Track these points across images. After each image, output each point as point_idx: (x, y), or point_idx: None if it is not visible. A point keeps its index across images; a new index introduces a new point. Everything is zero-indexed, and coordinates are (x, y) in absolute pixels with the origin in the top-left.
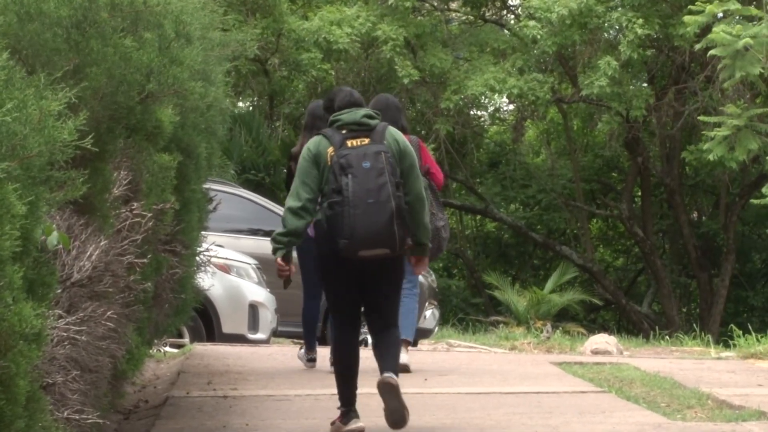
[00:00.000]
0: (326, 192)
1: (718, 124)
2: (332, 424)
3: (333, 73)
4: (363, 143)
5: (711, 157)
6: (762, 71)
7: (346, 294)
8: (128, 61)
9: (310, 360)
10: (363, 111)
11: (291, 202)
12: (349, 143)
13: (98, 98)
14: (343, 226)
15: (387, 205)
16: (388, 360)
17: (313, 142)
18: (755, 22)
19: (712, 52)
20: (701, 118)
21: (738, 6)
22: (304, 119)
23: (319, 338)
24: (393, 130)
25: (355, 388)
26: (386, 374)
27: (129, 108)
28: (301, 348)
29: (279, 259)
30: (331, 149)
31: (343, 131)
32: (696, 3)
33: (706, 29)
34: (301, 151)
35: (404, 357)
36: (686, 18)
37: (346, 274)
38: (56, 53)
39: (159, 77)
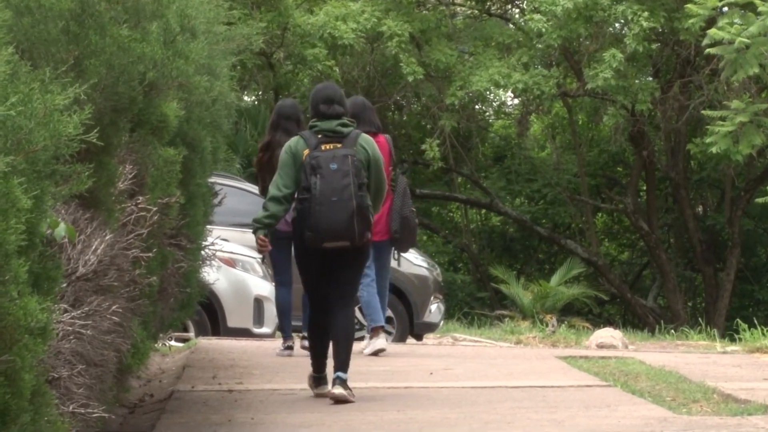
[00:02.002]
0: (300, 188)
1: (723, 119)
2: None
3: (337, 69)
4: (335, 147)
5: (715, 149)
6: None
7: (314, 278)
8: (127, 51)
9: (287, 348)
10: (337, 121)
11: (273, 191)
12: (323, 147)
13: (99, 90)
14: (310, 220)
15: (349, 203)
16: (338, 356)
17: (293, 142)
18: (760, 17)
19: (710, 50)
20: (705, 112)
21: None
22: (271, 116)
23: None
24: (364, 137)
25: (325, 358)
26: (335, 389)
27: (131, 99)
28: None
29: (260, 236)
30: (306, 150)
31: (319, 136)
32: None
33: (711, 22)
34: (266, 147)
35: (382, 342)
36: (689, 6)
37: (314, 261)
38: (54, 45)
39: (162, 69)
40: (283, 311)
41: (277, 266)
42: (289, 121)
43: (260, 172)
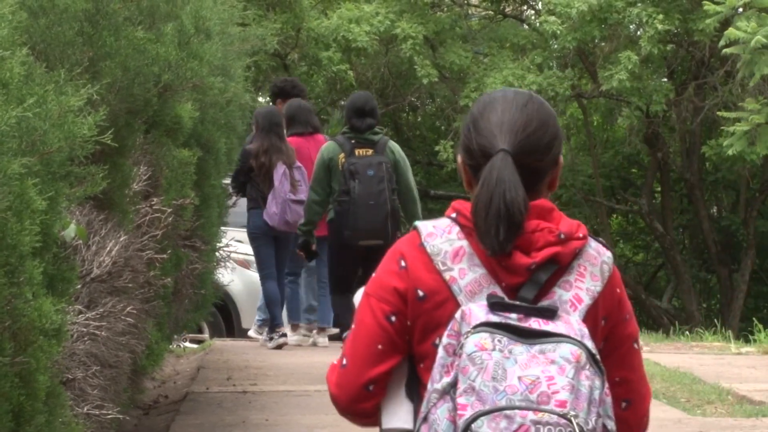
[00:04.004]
0: (337, 191)
1: (738, 120)
2: None
3: (351, 73)
4: (368, 153)
5: (731, 151)
6: None
7: (347, 272)
8: (142, 53)
9: (282, 335)
10: (368, 131)
11: (312, 196)
12: (356, 152)
13: (114, 91)
14: (349, 220)
15: (384, 207)
16: None
17: (327, 149)
18: None
19: (727, 50)
20: (721, 113)
21: None
22: (258, 121)
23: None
24: (392, 144)
25: None
26: None
27: (146, 100)
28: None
29: (299, 248)
30: (342, 155)
31: (352, 141)
32: None
33: (726, 23)
34: (265, 151)
35: (324, 340)
36: (707, 4)
37: (348, 257)
38: (70, 47)
39: (177, 70)
40: (274, 301)
41: (263, 261)
42: (279, 126)
43: (259, 176)
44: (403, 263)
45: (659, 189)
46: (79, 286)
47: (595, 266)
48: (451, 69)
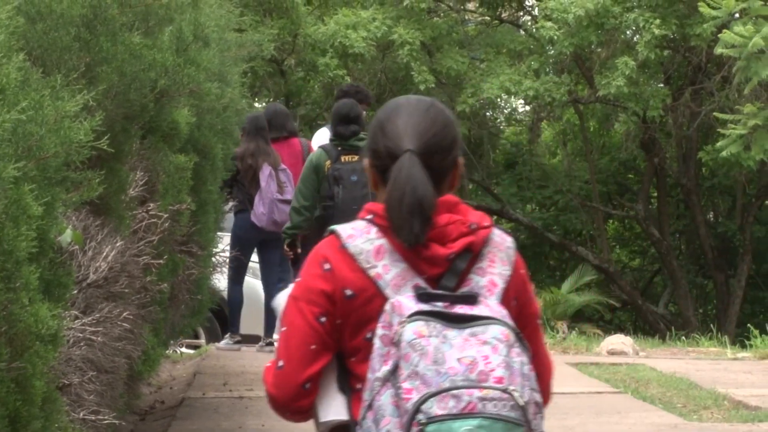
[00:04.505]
0: (322, 196)
1: (734, 122)
2: None
3: (348, 78)
4: (353, 160)
5: (725, 153)
6: None
7: None
8: (139, 58)
9: (237, 342)
10: (352, 137)
11: (295, 203)
12: (342, 158)
13: (111, 97)
14: (332, 224)
15: None
16: None
17: (315, 155)
18: None
19: (722, 51)
20: (717, 115)
21: (758, 2)
22: (245, 125)
23: None
24: None
25: None
26: None
27: (142, 106)
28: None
29: (285, 246)
30: (328, 162)
31: (339, 148)
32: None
33: (723, 29)
34: (252, 154)
35: None
36: (703, 8)
37: None
38: (66, 52)
39: (174, 76)
40: (239, 307)
41: (238, 267)
42: (264, 130)
43: (246, 179)
44: (327, 266)
45: (656, 194)
46: (75, 292)
47: (502, 252)
48: (448, 74)
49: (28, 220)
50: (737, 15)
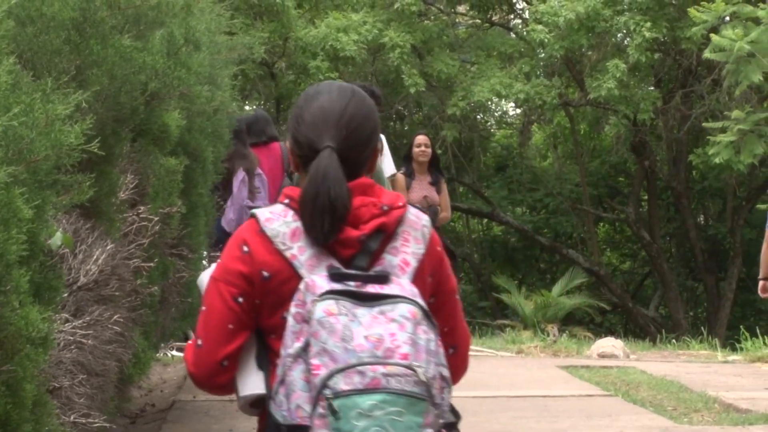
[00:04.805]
0: None
1: (723, 129)
2: None
3: (340, 81)
4: None
5: (717, 160)
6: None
7: None
8: (129, 61)
9: None
10: None
11: None
12: None
13: (101, 100)
14: None
15: None
16: None
17: None
18: (762, 24)
19: (711, 55)
20: (706, 124)
21: (747, 8)
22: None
23: None
24: None
25: None
26: None
27: (133, 109)
28: None
29: None
30: None
31: None
32: (701, 3)
33: (713, 32)
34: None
35: None
36: (693, 12)
37: None
38: (57, 55)
39: (164, 79)
40: None
41: None
42: (242, 132)
43: (221, 183)
44: (245, 248)
45: (646, 197)
46: (65, 295)
47: (416, 230)
48: (439, 77)
49: (18, 224)
50: (727, 18)
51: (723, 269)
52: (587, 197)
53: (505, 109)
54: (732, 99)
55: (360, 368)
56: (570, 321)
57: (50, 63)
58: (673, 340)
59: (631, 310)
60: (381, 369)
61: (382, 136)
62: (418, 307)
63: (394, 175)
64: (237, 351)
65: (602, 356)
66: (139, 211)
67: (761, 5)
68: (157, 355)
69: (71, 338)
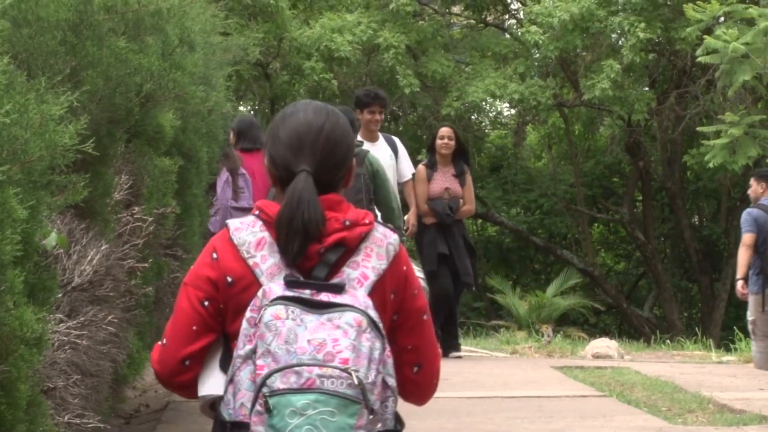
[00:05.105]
0: None
1: (717, 133)
2: None
3: (334, 82)
4: None
5: (712, 164)
6: (756, 78)
7: None
8: (124, 62)
9: None
10: None
11: None
12: None
13: (96, 101)
14: None
15: None
16: None
17: None
18: (756, 25)
19: (704, 59)
20: (700, 129)
21: (740, 7)
22: (233, 129)
23: None
24: (370, 156)
25: None
26: None
27: (128, 110)
28: None
29: None
30: None
31: None
32: (697, 3)
33: (707, 32)
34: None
35: None
36: (688, 11)
37: None
38: (52, 56)
39: (159, 80)
40: None
41: None
42: (225, 132)
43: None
44: (215, 255)
45: (640, 198)
46: (60, 295)
47: (381, 247)
48: (433, 78)
49: (12, 224)
50: (721, 18)
51: (717, 270)
52: (582, 198)
53: (499, 109)
54: (726, 100)
55: (297, 369)
56: (564, 322)
57: (45, 64)
58: (668, 341)
59: (625, 310)
60: (317, 370)
61: (397, 139)
62: (366, 316)
63: (413, 175)
64: (200, 352)
65: (597, 357)
66: (134, 212)
67: (753, 8)
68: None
69: (65, 339)
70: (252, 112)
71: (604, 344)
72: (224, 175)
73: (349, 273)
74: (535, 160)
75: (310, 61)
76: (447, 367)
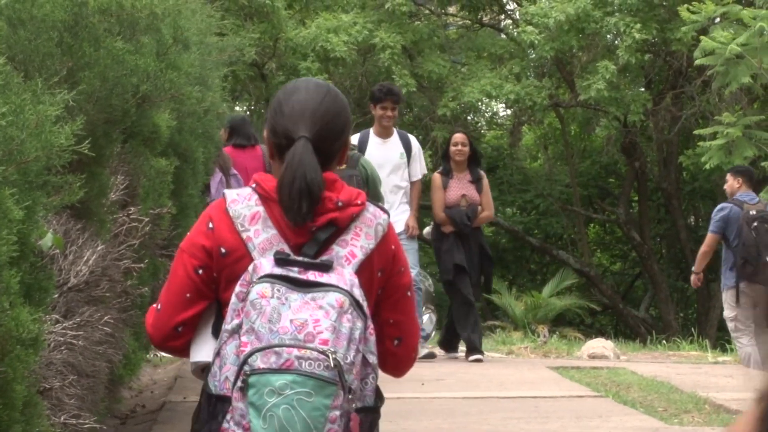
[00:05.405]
0: None
1: (713, 134)
2: None
3: (330, 82)
4: (341, 168)
5: (709, 165)
6: (753, 79)
7: None
8: (121, 63)
9: None
10: None
11: None
12: None
13: (92, 102)
14: None
15: None
16: None
17: None
18: (751, 27)
19: (701, 61)
20: (698, 131)
21: (736, 8)
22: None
23: None
24: (363, 160)
25: None
26: None
27: (124, 111)
28: None
29: None
30: None
31: None
32: (692, 4)
33: (703, 33)
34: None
35: None
36: (684, 12)
37: None
38: (49, 57)
39: (155, 81)
40: None
41: None
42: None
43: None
44: (210, 225)
45: (636, 198)
46: (56, 296)
47: (370, 227)
48: (429, 78)
49: (8, 224)
50: (717, 19)
51: (713, 270)
52: (578, 198)
53: (495, 109)
54: (722, 100)
55: (277, 349)
56: (560, 322)
57: (42, 65)
58: (664, 341)
59: (621, 311)
60: (296, 351)
61: (413, 138)
62: (349, 296)
63: (425, 176)
64: (193, 319)
65: (593, 357)
66: (130, 212)
67: (747, 10)
68: (148, 356)
69: (62, 339)
70: (248, 113)
71: (600, 345)
72: (218, 176)
73: (338, 251)
74: (531, 161)
75: (306, 62)
76: (443, 368)
